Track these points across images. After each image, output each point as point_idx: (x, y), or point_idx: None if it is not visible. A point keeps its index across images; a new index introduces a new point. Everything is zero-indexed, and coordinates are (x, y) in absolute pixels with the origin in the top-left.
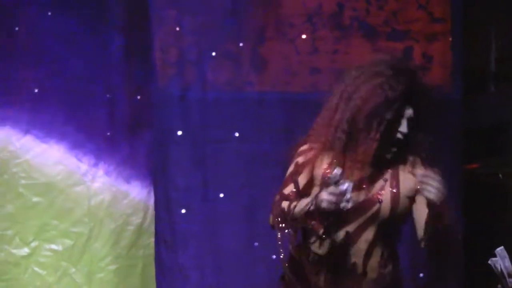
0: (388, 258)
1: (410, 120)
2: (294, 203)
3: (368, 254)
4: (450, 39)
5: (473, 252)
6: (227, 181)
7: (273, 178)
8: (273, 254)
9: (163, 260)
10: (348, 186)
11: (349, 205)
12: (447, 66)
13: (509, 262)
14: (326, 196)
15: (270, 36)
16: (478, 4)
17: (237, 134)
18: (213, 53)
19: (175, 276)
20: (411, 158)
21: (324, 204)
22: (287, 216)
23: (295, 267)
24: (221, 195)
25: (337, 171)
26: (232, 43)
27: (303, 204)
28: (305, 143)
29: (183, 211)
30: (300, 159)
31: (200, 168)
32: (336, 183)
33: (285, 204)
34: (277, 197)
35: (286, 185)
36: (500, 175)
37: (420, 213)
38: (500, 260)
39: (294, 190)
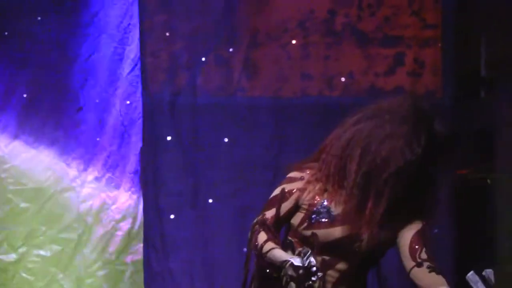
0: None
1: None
2: (267, 248)
3: (338, 282)
4: (440, 44)
5: (463, 257)
6: (216, 186)
7: (263, 184)
8: None
9: (152, 266)
10: (317, 272)
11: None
12: (438, 72)
13: (483, 286)
14: (290, 272)
15: (261, 41)
16: (470, 10)
17: (226, 140)
18: (203, 58)
19: (164, 282)
20: (409, 208)
21: (289, 273)
22: (259, 251)
23: (261, 283)
24: (210, 200)
25: (306, 250)
26: (222, 48)
27: (273, 256)
28: (298, 167)
29: (172, 216)
30: (287, 187)
31: (189, 174)
32: (307, 262)
33: (261, 239)
34: (260, 217)
35: (269, 207)
36: (489, 181)
37: (405, 242)
38: (473, 286)
39: (275, 215)
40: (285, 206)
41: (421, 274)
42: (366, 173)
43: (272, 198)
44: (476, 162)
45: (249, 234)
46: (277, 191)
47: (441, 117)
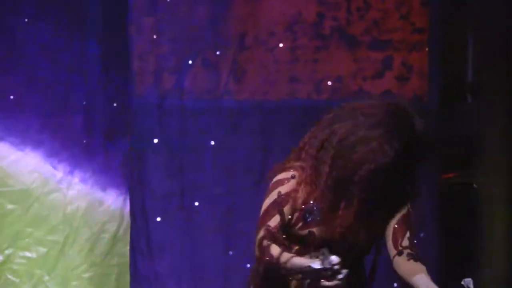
0: (354, 277)
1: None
2: (285, 258)
3: None
4: (427, 48)
5: (449, 261)
6: (203, 189)
7: (249, 187)
8: (248, 263)
9: (138, 268)
10: (340, 270)
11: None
12: (425, 76)
13: None
14: (314, 276)
15: (249, 45)
16: (457, 15)
17: (213, 143)
18: (190, 61)
19: (150, 285)
20: (393, 203)
21: (312, 277)
22: (276, 264)
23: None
24: (197, 203)
25: (322, 252)
26: (210, 52)
27: (293, 264)
28: (282, 168)
29: (159, 219)
30: (282, 189)
31: (176, 176)
32: (327, 263)
33: (274, 251)
34: (263, 231)
35: (270, 216)
36: (475, 185)
37: (390, 231)
38: None
39: (280, 221)
40: (288, 209)
41: (400, 263)
42: (337, 176)
43: (270, 205)
44: (462, 166)
45: (257, 250)
46: (273, 196)
47: (422, 119)
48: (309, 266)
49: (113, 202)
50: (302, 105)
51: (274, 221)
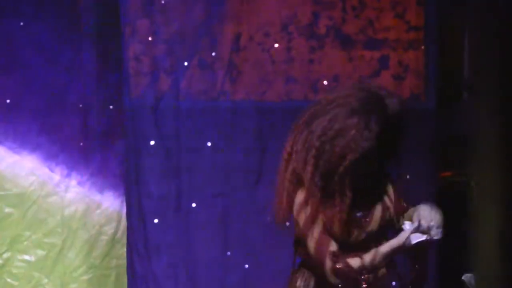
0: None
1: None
2: (370, 256)
3: None
4: (423, 47)
5: (446, 260)
6: (200, 190)
7: (246, 188)
8: (246, 263)
9: (135, 270)
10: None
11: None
12: (422, 75)
13: None
14: (416, 239)
15: (244, 45)
16: (453, 13)
17: (209, 144)
18: (186, 63)
19: (148, 286)
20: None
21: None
22: (367, 270)
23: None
24: (194, 204)
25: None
26: (205, 52)
27: (386, 251)
28: (301, 205)
29: (156, 220)
30: (313, 208)
31: (173, 178)
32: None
33: (355, 262)
34: (329, 260)
35: (326, 244)
36: (473, 183)
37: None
38: None
39: (337, 244)
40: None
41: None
42: (323, 172)
43: (320, 234)
44: (459, 165)
45: (333, 279)
46: (319, 225)
47: (395, 97)
48: (411, 243)
49: (111, 204)
50: (299, 106)
51: (333, 245)
